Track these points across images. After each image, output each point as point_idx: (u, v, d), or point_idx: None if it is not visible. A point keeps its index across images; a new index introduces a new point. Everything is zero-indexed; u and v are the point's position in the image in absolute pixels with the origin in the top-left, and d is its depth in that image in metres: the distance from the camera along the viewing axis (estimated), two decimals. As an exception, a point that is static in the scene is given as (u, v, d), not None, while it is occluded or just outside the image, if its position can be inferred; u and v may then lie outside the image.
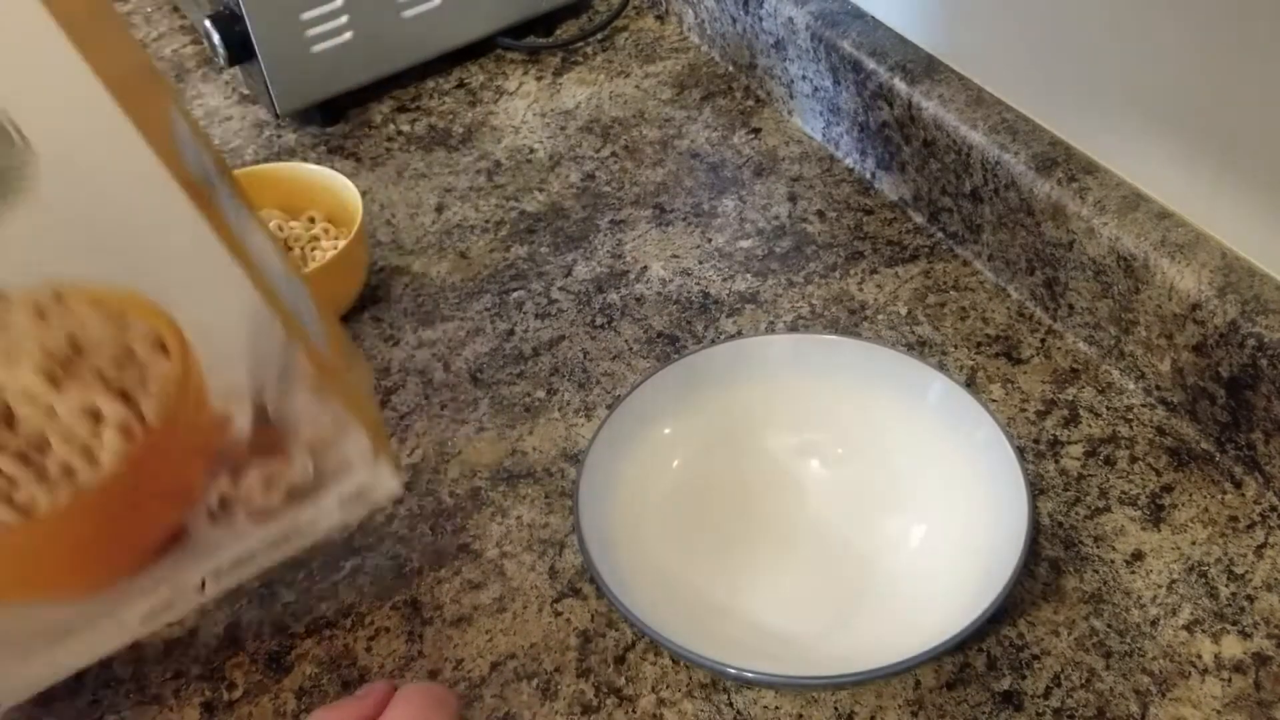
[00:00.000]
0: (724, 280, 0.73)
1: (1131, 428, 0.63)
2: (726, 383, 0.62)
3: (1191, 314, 0.59)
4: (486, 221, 0.78)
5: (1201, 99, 0.58)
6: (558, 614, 0.57)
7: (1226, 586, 0.56)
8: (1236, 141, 0.57)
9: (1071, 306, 0.67)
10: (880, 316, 0.70)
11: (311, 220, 0.73)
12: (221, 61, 0.81)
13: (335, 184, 0.72)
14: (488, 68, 0.91)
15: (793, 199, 0.78)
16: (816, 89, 0.80)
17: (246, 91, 0.90)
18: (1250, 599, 0.55)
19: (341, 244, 0.69)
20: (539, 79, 0.90)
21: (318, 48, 0.82)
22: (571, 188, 0.80)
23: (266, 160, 0.84)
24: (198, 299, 0.38)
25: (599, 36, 0.93)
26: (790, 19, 0.79)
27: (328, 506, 0.47)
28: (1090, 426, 0.63)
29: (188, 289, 0.38)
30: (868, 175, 0.79)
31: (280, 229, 0.72)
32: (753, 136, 0.83)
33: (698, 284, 0.73)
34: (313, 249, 0.72)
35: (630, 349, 0.69)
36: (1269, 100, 0.55)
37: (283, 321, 0.40)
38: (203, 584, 0.45)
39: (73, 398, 0.37)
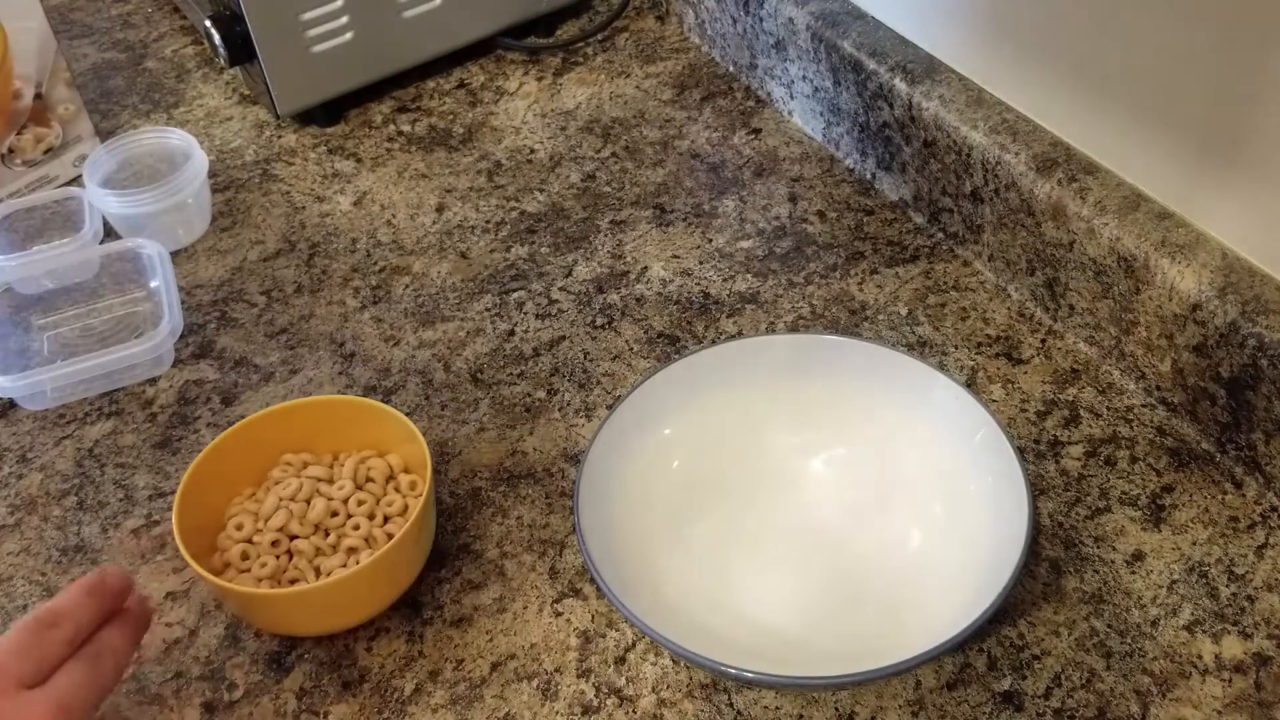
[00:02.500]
0: (724, 280, 0.73)
1: (1132, 428, 0.63)
2: (726, 383, 0.62)
3: (1192, 314, 0.59)
4: (487, 222, 0.78)
5: (1202, 99, 0.58)
6: (558, 614, 0.57)
7: (1227, 587, 0.56)
8: (1236, 141, 0.57)
9: (1072, 307, 0.67)
10: (881, 317, 0.70)
11: (389, 479, 0.59)
12: (222, 62, 0.81)
13: (397, 424, 0.59)
14: (488, 68, 0.91)
15: (793, 199, 0.78)
16: (817, 89, 0.80)
17: (247, 92, 0.90)
18: (1251, 599, 0.55)
19: (413, 504, 0.57)
20: (539, 79, 0.90)
21: (318, 48, 0.82)
22: (572, 188, 0.80)
23: (267, 160, 0.84)
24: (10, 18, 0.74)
25: (599, 37, 0.93)
26: (790, 19, 0.79)
27: (65, 162, 0.81)
28: (1091, 427, 0.63)
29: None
30: (868, 175, 0.79)
31: (368, 482, 0.59)
32: (753, 137, 0.83)
33: (698, 284, 0.73)
34: (389, 504, 0.58)
35: (630, 349, 0.69)
36: (1269, 100, 0.55)
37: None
38: None
39: None
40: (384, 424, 0.59)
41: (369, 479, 0.59)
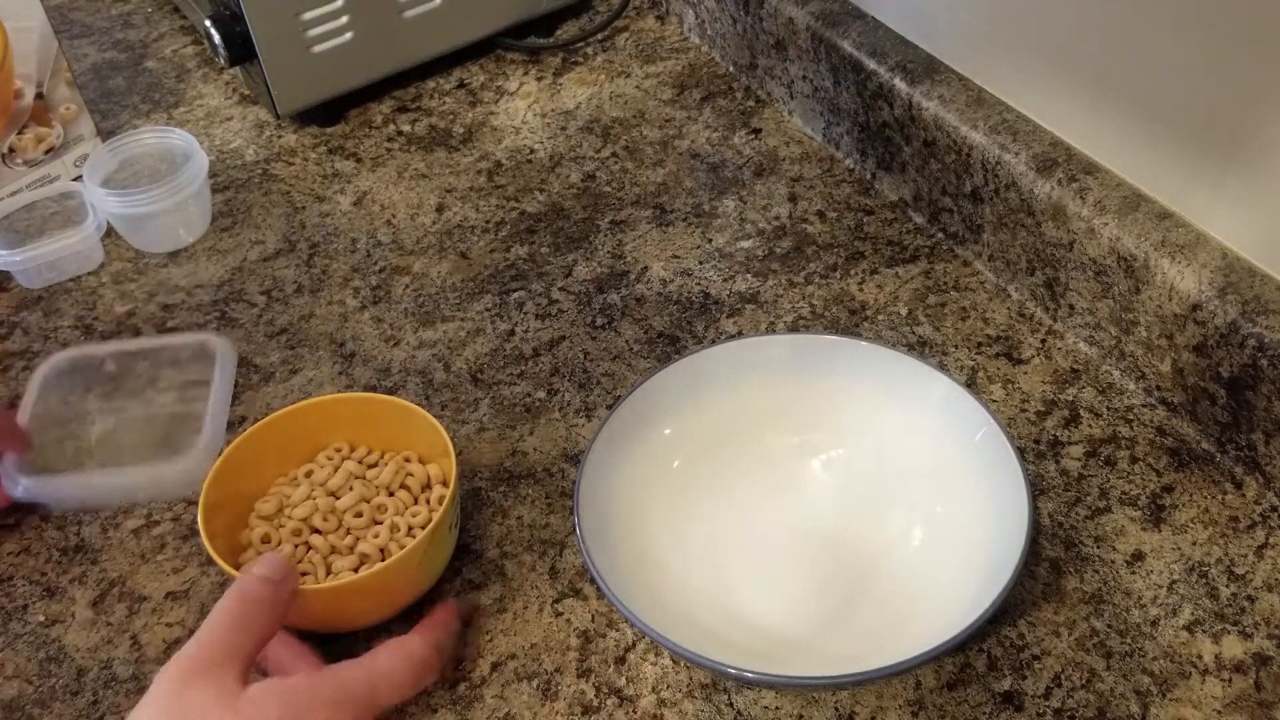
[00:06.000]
0: (724, 280, 0.73)
1: (1132, 428, 0.63)
2: (726, 383, 0.62)
3: (1192, 314, 0.59)
4: (487, 222, 0.78)
5: (1201, 99, 0.58)
6: (558, 614, 0.57)
7: (1227, 587, 0.56)
8: (1236, 141, 0.57)
9: (1072, 307, 0.67)
10: (881, 317, 0.70)
11: (425, 488, 0.59)
12: (222, 62, 0.81)
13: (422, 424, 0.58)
14: (488, 68, 0.91)
15: (793, 199, 0.78)
16: (817, 89, 0.80)
17: (247, 92, 0.90)
18: (1251, 599, 0.55)
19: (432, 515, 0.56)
20: (539, 79, 0.90)
21: (318, 48, 0.82)
22: (572, 188, 0.80)
23: (267, 160, 0.84)
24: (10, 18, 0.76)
25: (599, 37, 0.93)
26: (790, 19, 0.79)
27: (66, 162, 0.81)
28: (1091, 427, 0.63)
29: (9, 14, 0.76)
30: (868, 175, 0.79)
31: (402, 489, 0.58)
32: (753, 137, 0.83)
33: (698, 284, 0.73)
34: (413, 515, 0.57)
35: (630, 349, 0.69)
36: (1269, 100, 0.55)
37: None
38: None
39: None
40: (424, 433, 0.58)
41: (404, 485, 0.58)
